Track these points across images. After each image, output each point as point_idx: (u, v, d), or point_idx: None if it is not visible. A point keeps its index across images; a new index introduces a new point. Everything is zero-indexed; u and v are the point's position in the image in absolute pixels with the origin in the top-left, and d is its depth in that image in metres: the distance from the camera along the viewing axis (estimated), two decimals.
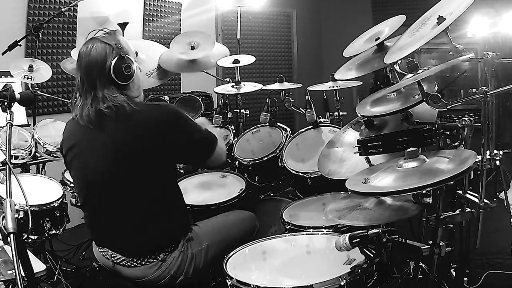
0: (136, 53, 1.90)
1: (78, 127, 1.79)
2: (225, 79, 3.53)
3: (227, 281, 1.58)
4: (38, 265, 1.81)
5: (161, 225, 1.75)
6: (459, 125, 1.77)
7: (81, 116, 1.74)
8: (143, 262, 1.75)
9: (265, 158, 2.78)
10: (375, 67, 2.20)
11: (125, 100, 1.73)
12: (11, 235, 1.14)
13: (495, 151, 1.84)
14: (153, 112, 1.76)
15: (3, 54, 3.16)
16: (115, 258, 1.79)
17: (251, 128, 3.10)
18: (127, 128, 1.70)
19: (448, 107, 1.69)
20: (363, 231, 1.43)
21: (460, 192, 1.89)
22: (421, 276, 2.12)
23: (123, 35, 1.86)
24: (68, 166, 1.90)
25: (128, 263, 1.76)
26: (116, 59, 1.73)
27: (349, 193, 1.83)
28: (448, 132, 1.88)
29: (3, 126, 1.44)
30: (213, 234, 1.94)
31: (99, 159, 1.72)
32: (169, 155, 1.78)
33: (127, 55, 1.77)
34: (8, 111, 1.43)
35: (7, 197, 1.21)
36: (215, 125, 3.24)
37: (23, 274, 1.23)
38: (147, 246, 1.75)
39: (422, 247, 1.71)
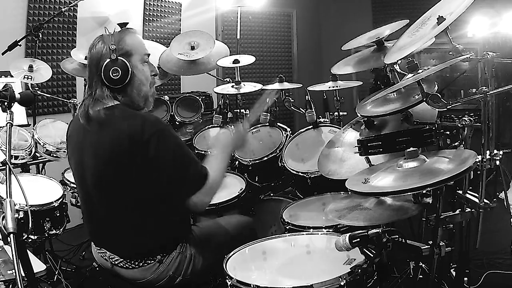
0: (148, 55, 1.81)
1: (77, 126, 1.78)
2: (225, 79, 3.53)
3: (227, 281, 1.57)
4: (38, 265, 1.81)
5: (159, 226, 1.74)
6: (459, 125, 1.77)
7: (79, 112, 1.73)
8: (141, 264, 1.74)
9: (265, 158, 2.78)
10: (372, 65, 2.21)
11: (114, 105, 1.69)
12: (11, 235, 1.14)
13: (495, 151, 1.84)
14: (136, 121, 1.64)
15: (3, 54, 3.16)
16: (113, 260, 1.78)
17: (251, 128, 3.10)
18: (107, 132, 1.66)
19: (448, 107, 1.69)
20: (363, 231, 1.43)
21: (460, 192, 1.89)
22: (421, 276, 2.13)
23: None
24: (69, 164, 1.90)
25: (126, 265, 1.75)
26: (107, 61, 1.68)
27: (349, 193, 1.83)
28: (448, 132, 1.88)
29: (3, 126, 1.44)
30: (213, 236, 1.94)
31: (89, 160, 1.71)
32: (142, 170, 1.66)
33: (122, 58, 1.69)
34: (8, 111, 1.43)
35: (7, 197, 1.21)
36: (216, 124, 3.25)
37: (23, 274, 1.23)
38: (145, 247, 1.74)
39: (422, 247, 1.71)
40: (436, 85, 1.81)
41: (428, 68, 1.80)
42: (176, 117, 3.55)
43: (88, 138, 1.71)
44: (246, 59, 3.23)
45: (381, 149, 1.86)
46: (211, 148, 1.92)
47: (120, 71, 1.68)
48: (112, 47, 1.69)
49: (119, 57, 1.69)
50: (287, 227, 2.17)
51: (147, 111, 1.80)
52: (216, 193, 1.78)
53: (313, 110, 2.80)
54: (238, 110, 3.39)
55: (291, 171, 2.64)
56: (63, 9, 3.54)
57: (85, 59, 3.18)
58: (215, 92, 3.38)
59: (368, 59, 2.28)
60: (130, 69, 1.71)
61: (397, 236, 1.45)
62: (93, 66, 1.71)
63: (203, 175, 1.71)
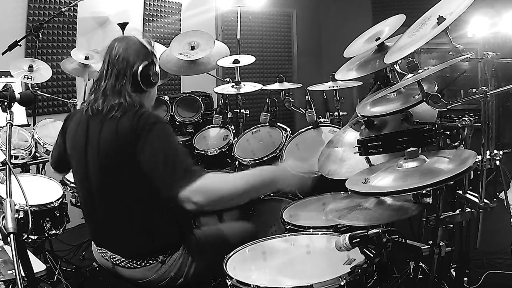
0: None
1: (80, 123, 1.78)
2: (225, 79, 3.53)
3: (227, 281, 1.57)
4: (38, 265, 1.81)
5: (160, 226, 1.74)
6: (459, 125, 1.77)
7: (92, 105, 1.72)
8: (143, 264, 1.74)
9: (265, 158, 2.78)
10: (376, 67, 2.20)
11: (136, 103, 1.70)
12: (11, 235, 1.14)
13: (495, 151, 1.84)
14: (135, 116, 1.65)
15: (3, 54, 3.16)
16: (114, 259, 1.78)
17: (251, 128, 3.10)
18: (113, 128, 1.66)
19: (448, 107, 1.69)
20: (363, 231, 1.43)
21: (460, 192, 1.89)
22: (421, 276, 2.13)
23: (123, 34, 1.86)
24: (70, 161, 1.89)
25: (128, 265, 1.75)
26: (147, 63, 1.73)
27: (349, 193, 1.83)
28: (448, 132, 1.87)
29: (3, 126, 1.44)
30: (214, 238, 1.94)
31: (93, 158, 1.71)
32: (138, 165, 1.63)
33: (157, 64, 1.78)
34: (8, 111, 1.43)
35: (7, 197, 1.21)
36: (215, 125, 3.25)
37: (23, 274, 1.23)
38: (147, 247, 1.74)
39: (422, 247, 1.71)
40: (436, 85, 1.81)
41: (428, 68, 1.80)
42: (176, 117, 3.56)
43: (92, 137, 1.72)
44: (246, 59, 3.23)
45: (381, 149, 1.86)
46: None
47: (157, 77, 1.79)
48: (154, 51, 1.77)
49: (156, 64, 1.78)
50: (287, 227, 2.17)
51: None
52: (212, 200, 1.57)
53: (313, 110, 2.80)
54: (238, 110, 3.40)
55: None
56: (63, 9, 3.54)
57: (87, 56, 3.20)
58: (215, 92, 3.39)
59: (370, 61, 2.27)
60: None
61: (397, 236, 1.45)
62: (126, 64, 1.71)
63: (192, 171, 1.57)
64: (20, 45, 3.26)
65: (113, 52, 1.74)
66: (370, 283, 1.51)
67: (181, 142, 3.41)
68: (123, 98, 1.69)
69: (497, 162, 1.84)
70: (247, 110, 3.40)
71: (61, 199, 2.60)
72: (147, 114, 1.67)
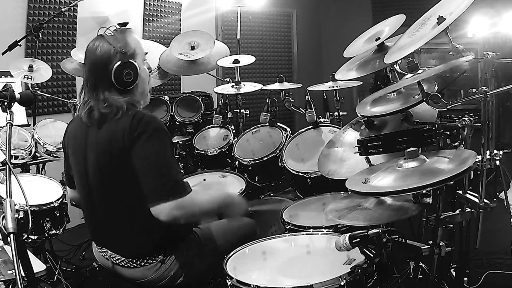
0: (146, 53, 1.84)
1: (79, 125, 1.78)
2: (225, 79, 3.54)
3: (227, 281, 1.57)
4: (38, 265, 1.81)
5: (160, 226, 1.73)
6: (459, 125, 1.77)
7: (82, 114, 1.73)
8: (142, 263, 1.74)
9: (265, 158, 2.78)
10: (376, 67, 2.20)
11: (125, 103, 1.69)
12: (11, 235, 1.14)
13: (495, 151, 1.84)
14: (134, 118, 1.64)
15: (3, 54, 3.16)
16: (114, 259, 1.78)
17: (251, 128, 3.10)
18: (112, 129, 1.66)
19: (448, 107, 1.69)
20: (363, 231, 1.43)
21: (460, 192, 1.89)
22: (421, 276, 2.13)
23: None
24: (68, 164, 1.90)
25: (127, 264, 1.75)
26: (117, 64, 1.68)
27: (349, 193, 1.83)
28: (448, 132, 1.88)
29: (3, 126, 1.44)
30: (214, 237, 1.93)
31: (92, 158, 1.71)
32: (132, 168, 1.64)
33: (131, 60, 1.72)
34: (8, 111, 1.43)
35: (7, 197, 1.21)
36: (215, 125, 3.25)
37: (23, 274, 1.23)
38: (147, 247, 1.74)
39: (422, 247, 1.71)
40: (436, 85, 1.81)
41: (428, 68, 1.80)
42: (176, 117, 3.55)
43: (91, 137, 1.72)
44: (246, 59, 3.23)
45: (381, 149, 1.86)
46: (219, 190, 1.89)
47: (132, 74, 1.71)
48: (123, 50, 1.70)
49: (129, 60, 1.71)
50: (287, 227, 2.17)
51: (146, 109, 1.80)
52: (185, 218, 1.66)
53: (313, 110, 2.80)
54: (238, 110, 3.40)
55: (291, 171, 2.64)
56: (63, 9, 3.54)
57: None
58: (215, 92, 3.39)
59: (370, 61, 2.27)
60: (138, 70, 1.74)
61: (397, 236, 1.45)
62: (100, 68, 1.70)
63: (184, 186, 1.65)
64: (20, 45, 3.25)
65: (88, 58, 1.73)
66: (370, 283, 1.51)
67: (180, 143, 3.42)
68: (111, 102, 1.68)
69: (497, 162, 1.84)
70: (247, 110, 3.41)
71: (61, 199, 2.60)
72: (147, 117, 1.66)
